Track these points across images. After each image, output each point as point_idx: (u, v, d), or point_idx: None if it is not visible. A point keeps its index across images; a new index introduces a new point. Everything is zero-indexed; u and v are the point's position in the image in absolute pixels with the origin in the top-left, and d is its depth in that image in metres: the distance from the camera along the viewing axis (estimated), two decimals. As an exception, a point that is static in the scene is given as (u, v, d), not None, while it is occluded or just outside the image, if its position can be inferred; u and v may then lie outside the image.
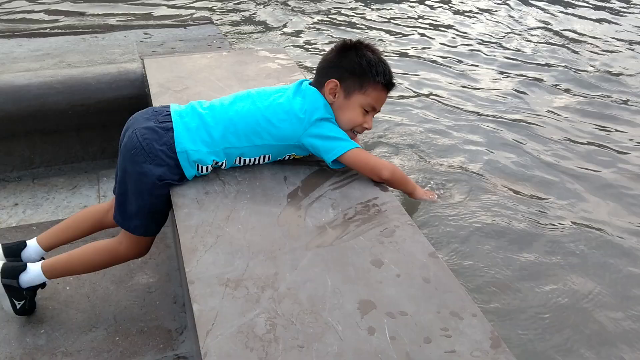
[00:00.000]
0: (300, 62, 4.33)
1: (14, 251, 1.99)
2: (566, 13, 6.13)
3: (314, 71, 2.01)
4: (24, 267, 1.89)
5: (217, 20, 5.36)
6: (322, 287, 1.42)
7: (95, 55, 3.20)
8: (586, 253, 2.52)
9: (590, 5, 6.34)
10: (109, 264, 1.97)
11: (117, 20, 5.01)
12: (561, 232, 2.66)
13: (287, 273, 1.46)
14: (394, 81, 1.95)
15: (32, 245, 2.02)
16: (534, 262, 2.42)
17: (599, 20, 5.87)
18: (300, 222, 1.66)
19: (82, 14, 5.28)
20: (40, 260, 2.01)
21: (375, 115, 1.98)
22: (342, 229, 1.63)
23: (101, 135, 2.92)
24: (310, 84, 1.96)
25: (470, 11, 6.16)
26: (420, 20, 5.85)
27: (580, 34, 5.51)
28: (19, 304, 1.92)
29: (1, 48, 3.29)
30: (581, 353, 2.02)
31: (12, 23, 4.97)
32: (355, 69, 1.88)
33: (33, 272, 1.89)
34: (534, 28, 5.67)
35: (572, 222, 2.74)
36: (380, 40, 5.21)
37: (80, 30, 3.80)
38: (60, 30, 3.83)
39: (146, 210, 1.85)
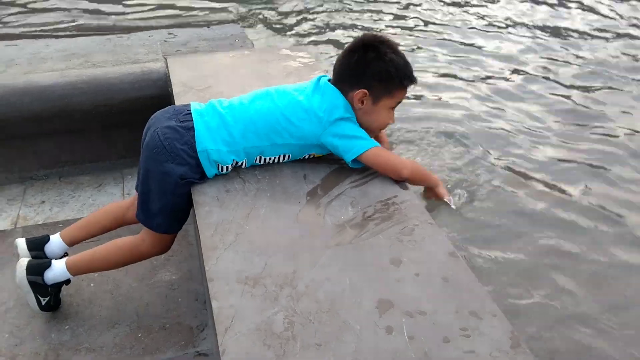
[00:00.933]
0: (321, 60, 4.32)
1: (38, 245, 2.03)
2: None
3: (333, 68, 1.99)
4: (48, 264, 1.92)
5: (240, 19, 5.38)
6: (341, 285, 1.42)
7: (120, 55, 3.24)
8: (615, 256, 2.47)
9: None
10: (131, 261, 1.99)
11: (142, 20, 5.08)
12: (588, 233, 2.61)
13: (305, 271, 1.46)
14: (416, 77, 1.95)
15: (56, 240, 2.06)
16: (557, 265, 2.38)
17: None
18: (320, 221, 1.66)
19: (108, 14, 5.36)
20: (63, 255, 2.05)
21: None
22: (361, 227, 1.62)
23: (126, 134, 2.96)
24: (329, 80, 1.95)
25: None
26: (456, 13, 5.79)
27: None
28: (44, 300, 1.96)
29: (30, 49, 3.35)
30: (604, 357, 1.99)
31: (40, 24, 5.06)
32: (383, 77, 1.86)
33: (58, 269, 1.92)
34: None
35: (602, 224, 2.68)
36: (402, 30, 5.17)
37: (106, 30, 3.85)
38: (86, 31, 3.88)
39: (168, 209, 1.87)
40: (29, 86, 2.76)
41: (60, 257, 2.03)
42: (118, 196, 2.79)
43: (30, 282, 1.91)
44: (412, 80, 1.89)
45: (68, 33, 3.86)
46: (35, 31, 4.74)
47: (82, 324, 2.02)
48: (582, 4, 6.09)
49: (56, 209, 2.70)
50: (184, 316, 2.06)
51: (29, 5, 5.56)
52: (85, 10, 5.48)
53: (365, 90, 1.86)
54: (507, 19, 5.68)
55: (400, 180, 1.84)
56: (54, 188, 2.86)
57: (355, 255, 1.52)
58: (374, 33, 1.97)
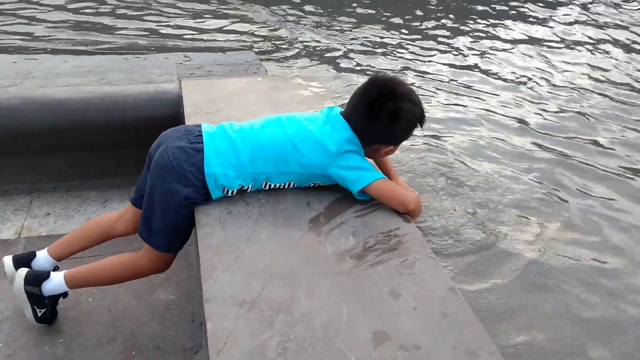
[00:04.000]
0: (333, 90, 4.37)
1: (24, 262, 2.03)
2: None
3: (347, 101, 1.98)
4: (47, 275, 1.92)
5: (256, 45, 5.46)
6: (337, 314, 1.41)
7: (135, 74, 3.29)
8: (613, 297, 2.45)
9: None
10: (130, 277, 1.99)
11: (161, 42, 5.16)
12: (591, 272, 2.60)
13: (302, 298, 1.46)
14: None
15: (42, 255, 2.05)
16: (561, 303, 2.36)
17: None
18: (320, 248, 1.65)
19: (127, 34, 5.46)
20: (54, 269, 2.05)
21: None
22: (361, 257, 1.62)
23: (135, 151, 2.96)
24: (341, 113, 1.95)
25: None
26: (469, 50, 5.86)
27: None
28: (40, 312, 1.95)
29: (47, 64, 3.42)
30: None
31: (59, 42, 5.16)
32: (405, 132, 1.93)
33: (55, 281, 1.92)
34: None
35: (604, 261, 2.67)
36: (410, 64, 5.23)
37: (124, 50, 3.92)
38: (104, 50, 3.96)
39: (171, 228, 1.87)
40: (44, 99, 2.80)
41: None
42: (123, 213, 2.80)
43: (28, 293, 1.91)
44: (424, 121, 1.94)
45: (86, 50, 3.93)
46: (55, 47, 4.82)
47: (76, 338, 2.01)
48: None
49: (60, 222, 2.71)
50: (179, 337, 2.05)
51: (51, 20, 5.68)
52: (105, 28, 5.60)
53: (392, 146, 1.95)
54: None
55: (405, 213, 1.84)
56: (60, 201, 2.88)
57: (353, 285, 1.51)
58: (386, 77, 1.95)
